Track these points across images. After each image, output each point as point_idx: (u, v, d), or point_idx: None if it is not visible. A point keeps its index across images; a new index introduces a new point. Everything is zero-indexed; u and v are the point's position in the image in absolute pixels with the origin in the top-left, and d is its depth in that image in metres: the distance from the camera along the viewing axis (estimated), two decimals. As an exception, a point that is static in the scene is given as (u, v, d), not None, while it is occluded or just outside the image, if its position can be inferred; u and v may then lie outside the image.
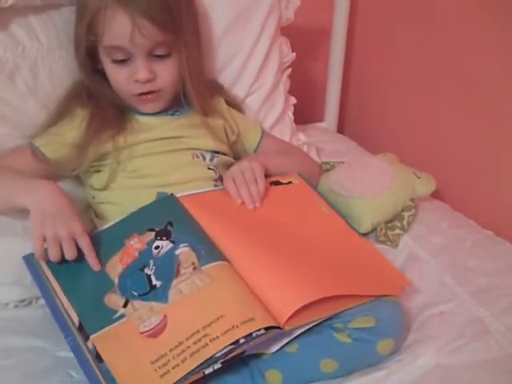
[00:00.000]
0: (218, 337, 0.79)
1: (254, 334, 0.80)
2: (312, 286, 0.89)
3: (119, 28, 1.02)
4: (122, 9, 1.00)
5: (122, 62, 1.06)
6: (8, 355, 0.91)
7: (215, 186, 1.12)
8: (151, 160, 1.10)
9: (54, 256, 0.90)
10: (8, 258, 1.02)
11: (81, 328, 0.83)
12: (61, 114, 1.11)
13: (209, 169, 1.14)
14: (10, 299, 1.03)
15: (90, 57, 1.09)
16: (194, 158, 1.14)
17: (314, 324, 0.88)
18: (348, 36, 1.72)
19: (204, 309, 0.84)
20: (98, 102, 1.10)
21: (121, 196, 1.07)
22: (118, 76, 1.08)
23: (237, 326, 0.80)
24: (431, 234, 1.24)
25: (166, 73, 1.10)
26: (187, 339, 0.80)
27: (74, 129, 1.09)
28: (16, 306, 1.03)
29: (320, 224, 1.08)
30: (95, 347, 0.81)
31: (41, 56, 1.13)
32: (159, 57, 1.08)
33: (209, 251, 0.92)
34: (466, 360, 0.93)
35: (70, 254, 0.90)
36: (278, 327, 0.83)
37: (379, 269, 1.01)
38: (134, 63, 1.06)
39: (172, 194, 1.02)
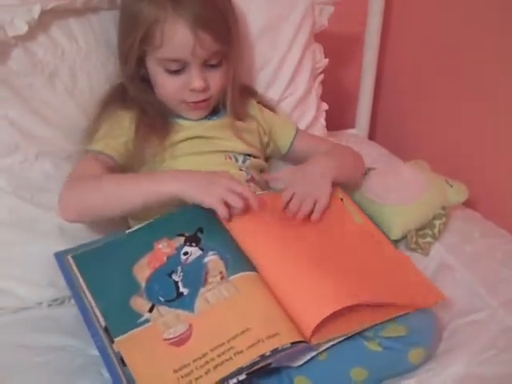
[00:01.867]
0: (242, 351, 0.79)
1: (280, 348, 0.80)
2: (339, 295, 0.88)
3: (181, 41, 1.03)
4: (182, 21, 1.02)
5: (176, 71, 1.07)
6: (43, 352, 0.93)
7: (248, 186, 1.10)
8: (186, 160, 1.11)
9: (236, 200, 0.93)
10: (43, 259, 1.03)
11: (106, 330, 0.84)
12: (102, 118, 1.12)
13: (240, 170, 1.15)
14: (44, 299, 1.05)
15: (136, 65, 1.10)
16: (226, 159, 1.15)
17: (342, 338, 0.87)
18: (381, 43, 1.72)
19: (230, 321, 0.83)
20: (141, 108, 1.11)
21: None
22: (171, 85, 1.09)
23: (262, 341, 0.80)
24: (463, 243, 1.23)
25: (217, 81, 1.12)
26: (212, 351, 0.80)
27: (124, 129, 1.09)
28: (49, 305, 1.05)
29: (355, 235, 1.06)
30: (119, 351, 0.81)
31: (79, 59, 1.14)
32: (212, 66, 1.10)
33: (237, 260, 0.91)
34: (497, 370, 0.92)
35: (246, 191, 0.95)
36: (305, 341, 0.82)
37: (413, 281, 1.00)
38: (188, 72, 1.08)
39: None
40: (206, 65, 1.09)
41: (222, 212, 0.94)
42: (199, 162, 1.11)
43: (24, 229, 1.06)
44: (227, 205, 0.94)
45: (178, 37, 1.03)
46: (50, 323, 1.00)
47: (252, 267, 0.91)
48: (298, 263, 0.93)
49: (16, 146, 1.06)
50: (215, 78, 1.11)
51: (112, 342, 0.82)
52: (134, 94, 1.12)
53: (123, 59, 1.10)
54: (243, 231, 0.97)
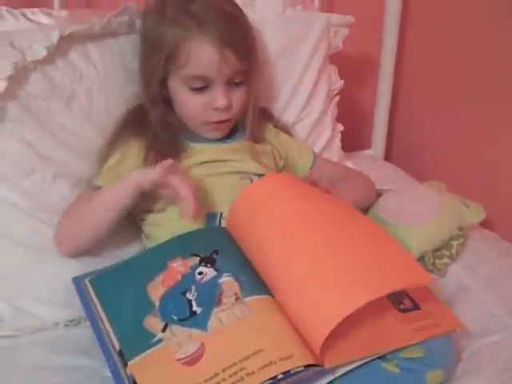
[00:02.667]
0: (254, 372, 0.77)
1: (293, 371, 0.78)
2: (343, 304, 0.85)
3: (206, 58, 1.05)
4: (208, 39, 1.04)
5: (200, 89, 1.08)
6: (59, 373, 0.92)
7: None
8: (200, 182, 1.11)
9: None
10: (60, 280, 1.04)
11: (121, 353, 0.84)
12: (114, 145, 1.13)
13: None
14: (61, 319, 1.05)
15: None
16: (240, 180, 1.14)
17: (358, 364, 0.84)
18: (396, 63, 1.72)
19: (242, 341, 0.82)
20: (154, 132, 1.12)
21: (171, 218, 1.08)
22: (194, 103, 1.10)
23: (275, 363, 0.78)
24: (480, 264, 1.22)
25: (239, 101, 1.13)
26: (223, 371, 0.78)
27: (132, 161, 1.11)
28: (66, 326, 1.05)
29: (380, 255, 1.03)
30: (132, 374, 0.81)
31: (97, 83, 1.16)
32: (235, 85, 1.11)
33: (252, 284, 0.90)
34: (517, 392, 0.90)
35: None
36: (319, 365, 0.81)
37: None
38: (212, 91, 1.09)
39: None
40: (229, 84, 1.10)
41: (185, 194, 0.97)
42: (213, 183, 1.11)
43: (42, 250, 1.07)
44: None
45: (204, 54, 1.05)
46: (66, 343, 1.00)
47: (267, 291, 0.90)
48: (304, 269, 0.91)
49: (33, 169, 1.07)
50: (237, 98, 1.13)
51: (126, 365, 0.82)
52: (156, 116, 1.13)
53: (146, 82, 1.11)
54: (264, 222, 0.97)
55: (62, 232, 1.07)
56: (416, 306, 0.95)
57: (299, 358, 0.80)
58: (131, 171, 1.03)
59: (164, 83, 1.11)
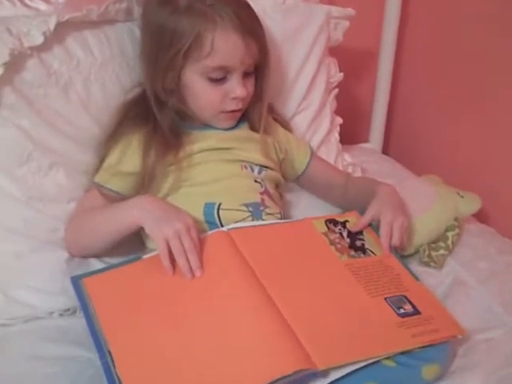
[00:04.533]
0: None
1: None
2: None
3: (232, 48, 1.06)
4: (233, 30, 1.04)
5: (219, 80, 1.09)
6: (53, 363, 0.92)
7: (261, 199, 1.13)
8: (202, 169, 1.11)
9: (179, 251, 0.93)
10: (54, 270, 1.05)
11: (111, 354, 0.84)
12: (114, 139, 1.12)
13: (255, 181, 1.15)
14: (56, 308, 1.04)
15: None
16: (242, 169, 1.15)
17: (354, 368, 0.84)
18: (395, 57, 1.72)
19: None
20: (155, 122, 1.11)
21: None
22: (213, 94, 1.10)
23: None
24: (478, 260, 1.22)
25: (251, 90, 1.14)
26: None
27: (131, 157, 1.10)
28: (61, 315, 1.04)
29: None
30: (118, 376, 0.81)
31: (94, 70, 1.14)
32: (248, 74, 1.12)
33: None
34: (513, 389, 0.90)
35: (190, 245, 0.94)
36: (310, 368, 0.80)
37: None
38: (229, 81, 1.09)
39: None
40: (245, 73, 1.11)
41: (160, 250, 0.94)
42: (216, 169, 1.12)
43: (36, 239, 1.07)
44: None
45: (229, 45, 1.05)
46: (61, 333, 0.99)
47: None
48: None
49: (29, 156, 1.07)
50: (250, 87, 1.14)
51: (114, 366, 0.82)
52: (173, 106, 1.12)
53: (162, 72, 1.08)
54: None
55: (69, 237, 1.08)
56: (416, 311, 0.95)
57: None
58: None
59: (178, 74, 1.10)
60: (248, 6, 1.11)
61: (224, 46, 1.05)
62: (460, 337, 0.95)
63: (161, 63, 1.08)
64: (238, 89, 1.09)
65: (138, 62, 1.17)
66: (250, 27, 1.07)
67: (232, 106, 1.12)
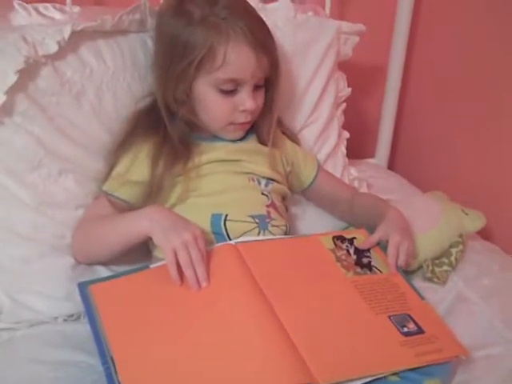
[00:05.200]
0: None
1: None
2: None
3: (244, 61, 1.07)
4: (245, 43, 1.06)
5: (229, 92, 1.10)
6: (56, 368, 0.93)
7: (267, 211, 1.13)
8: (210, 180, 1.12)
9: (186, 261, 0.94)
10: (61, 275, 1.06)
11: (113, 361, 0.84)
12: (123, 148, 1.13)
13: (262, 194, 1.15)
14: (60, 313, 1.05)
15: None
16: (249, 181, 1.16)
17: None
18: (403, 74, 1.73)
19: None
20: (165, 133, 1.12)
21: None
22: (223, 105, 1.11)
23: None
24: (481, 276, 1.23)
25: (260, 103, 1.15)
26: None
27: (140, 166, 1.10)
28: (65, 321, 1.05)
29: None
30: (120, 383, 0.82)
31: (106, 79, 1.15)
32: (258, 87, 1.13)
33: None
34: (512, 406, 0.91)
35: (198, 256, 0.95)
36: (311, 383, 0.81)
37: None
38: (239, 94, 1.10)
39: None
40: (255, 86, 1.12)
41: (168, 261, 0.94)
42: (223, 180, 1.13)
43: (44, 244, 1.08)
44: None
45: (241, 58, 1.06)
46: (64, 339, 1.00)
47: None
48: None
49: (39, 163, 1.07)
50: (260, 100, 1.15)
51: (116, 373, 0.83)
52: (183, 117, 1.12)
53: (173, 83, 1.09)
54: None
55: (76, 244, 1.09)
56: (420, 330, 0.96)
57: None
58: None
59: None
60: (261, 20, 1.12)
61: (236, 59, 1.06)
62: (463, 357, 0.96)
63: (173, 74, 1.09)
64: (247, 102, 1.10)
65: (150, 72, 1.18)
66: (262, 41, 1.08)
67: (241, 118, 1.13)
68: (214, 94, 1.10)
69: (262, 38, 1.08)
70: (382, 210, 1.19)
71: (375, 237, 1.12)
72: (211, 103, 1.11)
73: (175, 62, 1.08)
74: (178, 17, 1.08)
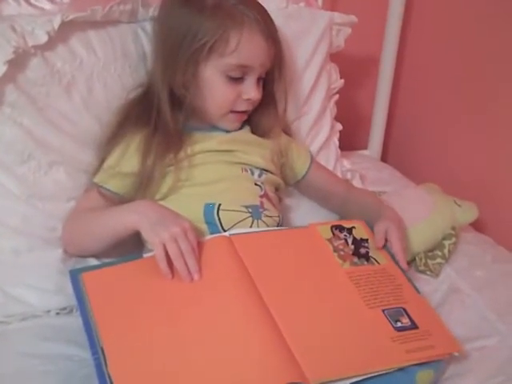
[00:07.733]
0: None
1: None
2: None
3: (256, 49, 1.09)
4: (258, 31, 1.08)
5: (236, 79, 1.10)
6: (48, 361, 0.92)
7: (260, 202, 1.13)
8: (203, 169, 1.12)
9: (176, 254, 0.93)
10: (52, 268, 1.06)
11: (103, 351, 0.84)
12: (114, 140, 1.12)
13: (255, 184, 1.15)
14: (52, 306, 1.05)
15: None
16: (242, 171, 1.15)
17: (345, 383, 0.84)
18: (396, 65, 1.73)
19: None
20: (156, 124, 1.11)
21: (171, 205, 1.06)
22: (228, 92, 1.11)
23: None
24: (474, 268, 1.23)
25: (261, 94, 1.15)
26: None
27: (130, 158, 1.10)
28: (57, 314, 1.05)
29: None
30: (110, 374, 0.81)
31: (97, 70, 1.14)
32: (258, 80, 1.14)
33: None
34: (505, 398, 0.91)
35: (188, 248, 0.94)
36: (301, 382, 0.80)
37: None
38: (245, 82, 1.11)
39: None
40: (257, 78, 1.13)
41: (157, 254, 0.93)
42: (216, 170, 1.12)
43: (35, 237, 1.07)
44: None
45: (254, 45, 1.08)
46: (56, 332, 1.00)
47: None
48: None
49: (29, 155, 1.07)
50: (261, 91, 1.15)
51: (106, 364, 0.82)
52: (190, 102, 1.11)
53: (183, 67, 1.08)
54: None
55: (67, 236, 1.09)
56: (414, 325, 0.95)
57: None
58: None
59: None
60: (267, 12, 1.13)
61: (249, 45, 1.07)
62: (456, 354, 0.96)
63: (182, 57, 1.08)
64: (252, 91, 1.11)
65: (144, 62, 1.18)
66: (273, 32, 1.12)
67: (243, 106, 1.14)
68: (220, 80, 1.10)
69: (272, 30, 1.12)
70: (379, 210, 1.19)
71: (381, 236, 1.10)
72: (217, 88, 1.11)
73: (186, 45, 1.07)
74: (189, 4, 1.09)
